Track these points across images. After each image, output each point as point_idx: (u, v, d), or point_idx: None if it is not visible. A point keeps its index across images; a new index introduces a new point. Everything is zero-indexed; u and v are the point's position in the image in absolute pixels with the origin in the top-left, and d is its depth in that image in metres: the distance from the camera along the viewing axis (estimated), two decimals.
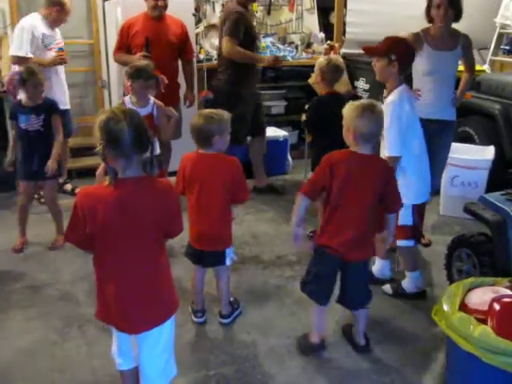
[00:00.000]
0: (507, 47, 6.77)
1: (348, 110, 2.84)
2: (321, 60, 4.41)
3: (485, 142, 5.19)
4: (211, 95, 5.61)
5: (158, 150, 4.19)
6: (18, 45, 4.84)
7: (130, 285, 2.14)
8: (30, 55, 4.83)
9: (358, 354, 3.07)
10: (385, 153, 3.28)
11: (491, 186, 4.64)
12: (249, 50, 5.05)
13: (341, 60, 4.43)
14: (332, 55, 5.48)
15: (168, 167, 5.11)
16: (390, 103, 3.27)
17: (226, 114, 3.13)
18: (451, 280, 3.58)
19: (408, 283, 3.63)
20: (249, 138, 5.50)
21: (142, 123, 2.09)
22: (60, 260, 3.99)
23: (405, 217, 3.36)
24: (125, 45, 4.98)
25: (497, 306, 2.48)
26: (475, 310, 2.56)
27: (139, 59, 4.75)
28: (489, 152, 4.98)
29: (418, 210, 3.50)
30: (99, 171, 2.22)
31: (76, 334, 3.23)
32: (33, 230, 4.54)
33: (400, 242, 3.46)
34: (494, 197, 3.45)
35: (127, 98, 4.09)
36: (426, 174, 3.51)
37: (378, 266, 3.84)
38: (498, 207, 3.33)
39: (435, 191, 4.22)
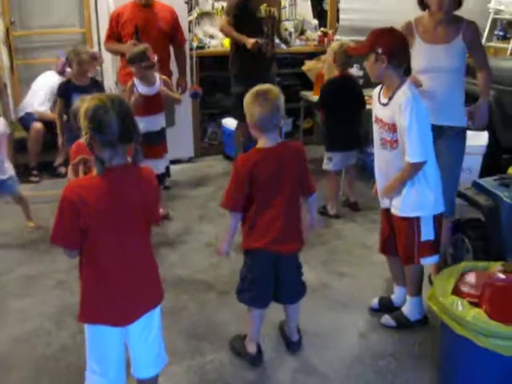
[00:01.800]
0: (501, 33, 6.75)
1: (246, 97, 2.69)
2: (334, 44, 4.72)
3: (478, 128, 5.18)
4: (200, 91, 5.61)
5: (164, 123, 4.62)
6: None
7: (130, 272, 2.13)
8: None
9: (291, 351, 3.00)
10: (406, 158, 2.85)
11: (485, 172, 4.64)
12: (249, 32, 5.11)
13: (353, 44, 4.43)
14: (343, 40, 5.48)
15: None
16: (406, 101, 2.81)
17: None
18: (445, 265, 3.59)
19: (412, 310, 3.20)
20: None
21: (129, 111, 2.06)
22: (55, 249, 3.97)
23: (426, 231, 2.99)
24: (115, 34, 4.96)
25: (489, 290, 2.49)
26: (468, 293, 2.57)
27: (130, 48, 4.75)
28: (482, 138, 4.98)
29: (439, 222, 3.06)
30: (69, 175, 2.18)
31: (71, 322, 3.22)
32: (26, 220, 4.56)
33: (424, 260, 3.06)
34: (488, 182, 3.46)
35: (136, 79, 4.36)
36: (440, 181, 3.08)
37: (397, 294, 3.37)
38: (491, 192, 3.34)
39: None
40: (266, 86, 2.71)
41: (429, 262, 3.14)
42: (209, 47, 6.35)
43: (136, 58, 4.29)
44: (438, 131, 3.24)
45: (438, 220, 3.03)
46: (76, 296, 3.38)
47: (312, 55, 6.44)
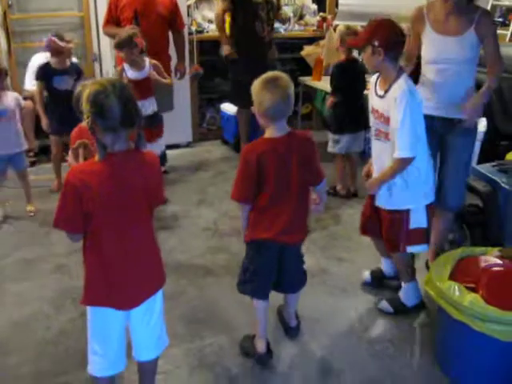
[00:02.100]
0: (500, 19, 6.74)
1: (254, 84, 2.54)
2: (340, 27, 4.69)
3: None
4: (201, 71, 5.61)
5: (155, 107, 4.65)
6: None
7: (132, 256, 2.13)
8: None
9: (289, 337, 3.01)
10: (395, 154, 2.86)
11: (483, 158, 4.65)
12: (245, 17, 5.21)
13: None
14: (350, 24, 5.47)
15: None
16: (401, 94, 2.82)
17: None
18: (442, 251, 3.61)
19: (407, 296, 3.23)
20: None
21: (131, 96, 2.04)
22: (53, 233, 3.99)
23: (418, 218, 3.02)
24: (113, 18, 4.94)
25: (486, 276, 2.52)
26: (465, 279, 2.60)
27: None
28: (481, 124, 4.98)
29: (431, 210, 3.10)
30: (70, 160, 2.16)
31: (70, 306, 3.25)
32: (24, 205, 4.56)
33: (412, 248, 3.08)
34: (486, 168, 3.48)
35: (126, 65, 4.39)
36: (432, 172, 3.13)
37: (385, 264, 3.50)
38: (489, 178, 3.36)
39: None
40: (276, 72, 2.56)
41: (417, 250, 3.15)
42: (208, 32, 6.32)
43: (124, 43, 4.32)
44: (448, 124, 3.22)
45: (429, 209, 3.05)
46: (75, 280, 3.47)
47: (311, 40, 6.42)
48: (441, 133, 3.26)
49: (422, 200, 3.02)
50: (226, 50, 5.29)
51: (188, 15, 5.97)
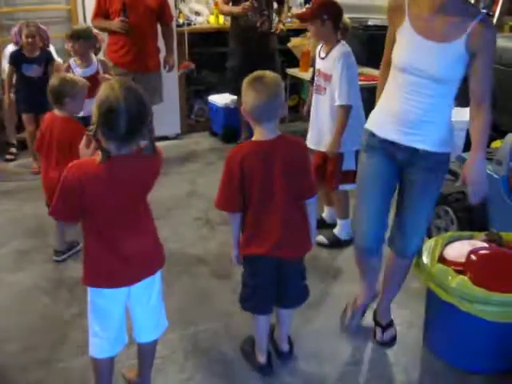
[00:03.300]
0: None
1: (243, 84, 2.41)
2: None
3: (462, 104, 5.25)
4: (193, 66, 5.66)
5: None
6: None
7: (130, 240, 2.16)
8: None
9: (283, 360, 2.82)
10: (336, 103, 3.49)
11: (468, 147, 4.72)
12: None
13: (347, 19, 4.31)
14: None
15: None
16: (342, 54, 3.48)
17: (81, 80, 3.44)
18: (430, 236, 3.69)
19: (341, 231, 3.90)
20: None
21: (141, 109, 1.98)
22: (47, 224, 4.03)
23: (348, 162, 3.65)
24: (102, 11, 4.93)
25: (474, 258, 2.60)
26: (453, 261, 2.68)
27: (117, 24, 4.77)
28: (466, 113, 5.04)
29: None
30: (82, 144, 2.17)
31: (66, 295, 3.29)
32: (19, 195, 4.59)
33: (344, 186, 3.73)
34: None
35: (72, 61, 4.36)
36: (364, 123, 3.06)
37: (326, 213, 4.19)
38: None
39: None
40: (264, 72, 2.40)
41: (345, 187, 3.75)
42: (195, 24, 6.35)
43: (81, 34, 4.29)
44: (410, 155, 2.54)
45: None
46: (70, 270, 3.51)
47: (298, 32, 6.46)
48: (402, 164, 2.61)
49: (354, 145, 3.41)
50: (238, 8, 5.38)
51: (175, 8, 5.99)
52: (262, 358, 2.73)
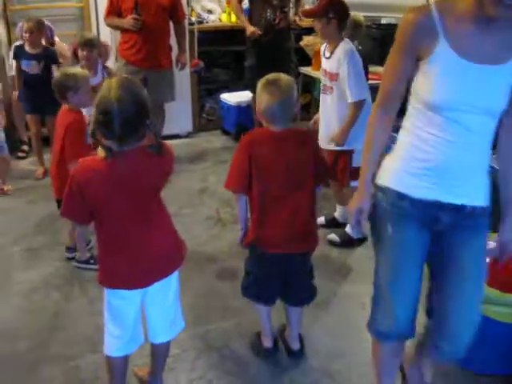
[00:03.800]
0: None
1: (258, 85, 2.50)
2: None
3: None
4: (202, 64, 5.66)
5: None
6: None
7: (142, 240, 2.15)
8: None
9: (294, 359, 2.83)
10: (349, 100, 3.48)
11: None
12: (259, 4, 5.35)
13: (361, 16, 4.38)
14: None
15: (162, 130, 5.14)
16: (346, 51, 3.49)
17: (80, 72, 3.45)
18: None
19: (352, 229, 3.81)
20: None
21: (137, 109, 1.98)
22: (58, 222, 4.05)
23: (359, 159, 3.38)
24: (115, 8, 4.95)
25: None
26: None
27: (130, 22, 4.78)
28: None
29: None
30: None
31: (78, 293, 3.31)
32: (31, 193, 4.63)
33: (353, 183, 3.63)
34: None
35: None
36: None
37: (339, 212, 4.17)
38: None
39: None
40: (279, 74, 2.49)
41: (356, 184, 3.37)
42: (207, 22, 6.35)
43: (95, 43, 4.38)
44: (455, 214, 1.96)
45: None
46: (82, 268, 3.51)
47: (310, 30, 6.43)
48: (443, 229, 2.01)
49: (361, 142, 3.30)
50: (248, 30, 5.35)
51: (188, 5, 5.99)
52: (267, 343, 2.83)
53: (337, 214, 4.20)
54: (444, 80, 1.82)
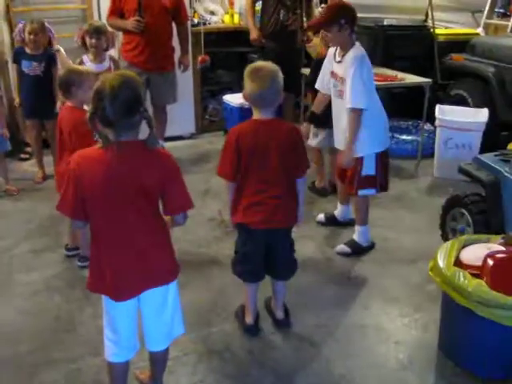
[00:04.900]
0: (501, 10, 6.77)
1: (245, 71, 2.71)
2: None
3: (478, 105, 5.24)
4: (209, 61, 5.67)
5: None
6: None
7: (126, 248, 2.12)
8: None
9: (279, 327, 3.03)
10: (347, 106, 3.41)
11: (484, 148, 4.69)
12: (271, 6, 5.39)
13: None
14: None
15: (165, 131, 5.14)
16: (357, 56, 3.41)
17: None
18: (446, 239, 3.66)
19: (360, 237, 3.78)
20: None
21: (130, 96, 2.01)
22: (61, 224, 4.04)
23: (368, 167, 3.56)
24: (118, 10, 4.95)
25: (491, 262, 2.56)
26: (470, 265, 2.64)
27: (133, 24, 4.77)
28: (482, 114, 5.03)
29: (381, 159, 3.60)
30: None
31: (80, 295, 3.29)
32: (34, 195, 4.63)
33: (361, 191, 3.63)
34: (488, 157, 3.52)
35: (85, 57, 4.46)
36: (384, 124, 3.65)
37: (339, 211, 4.17)
38: (492, 167, 3.40)
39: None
40: (263, 63, 2.74)
41: (366, 192, 3.65)
42: (209, 23, 6.35)
43: (102, 30, 4.43)
44: None
45: (380, 157, 3.57)
46: (84, 270, 3.50)
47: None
48: None
49: (373, 147, 3.51)
50: (252, 35, 5.44)
51: (190, 7, 5.99)
52: (248, 319, 2.99)
53: (336, 213, 4.19)
54: None
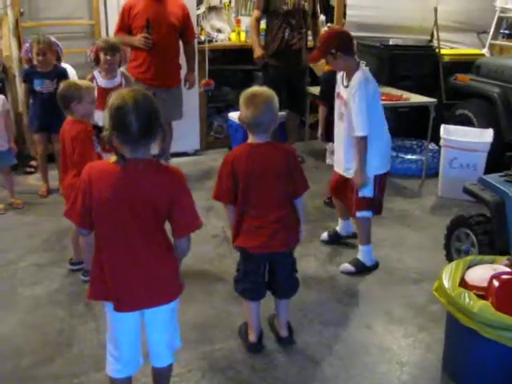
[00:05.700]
0: (507, 31, 6.80)
1: (241, 96, 2.74)
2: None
3: (483, 125, 5.25)
4: (213, 85, 5.70)
5: None
6: None
7: (128, 263, 2.12)
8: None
9: (283, 345, 3.02)
10: (354, 133, 3.42)
11: (489, 169, 4.70)
12: (277, 25, 5.42)
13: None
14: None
15: (170, 147, 5.15)
16: (358, 83, 3.42)
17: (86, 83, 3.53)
18: (450, 260, 3.65)
19: (364, 257, 3.78)
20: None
21: (152, 112, 2.05)
22: (65, 238, 4.05)
23: (366, 189, 3.58)
24: (126, 26, 4.99)
25: (496, 283, 2.55)
26: (475, 286, 2.64)
27: (140, 40, 4.81)
28: (487, 135, 5.04)
29: (380, 182, 3.63)
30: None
31: (83, 310, 3.29)
32: (38, 209, 4.64)
33: (359, 214, 3.65)
34: (493, 178, 3.52)
35: (96, 72, 4.42)
36: (386, 147, 3.69)
37: (341, 226, 4.19)
38: (497, 188, 3.40)
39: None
40: (258, 89, 2.74)
41: (363, 214, 3.66)
42: (216, 41, 6.39)
43: (118, 47, 4.40)
44: None
45: (379, 180, 3.60)
46: (87, 284, 3.47)
47: None
48: None
49: (372, 170, 3.53)
50: (255, 53, 5.46)
51: (197, 24, 6.04)
52: (252, 337, 2.99)
53: (338, 228, 4.20)
54: None
